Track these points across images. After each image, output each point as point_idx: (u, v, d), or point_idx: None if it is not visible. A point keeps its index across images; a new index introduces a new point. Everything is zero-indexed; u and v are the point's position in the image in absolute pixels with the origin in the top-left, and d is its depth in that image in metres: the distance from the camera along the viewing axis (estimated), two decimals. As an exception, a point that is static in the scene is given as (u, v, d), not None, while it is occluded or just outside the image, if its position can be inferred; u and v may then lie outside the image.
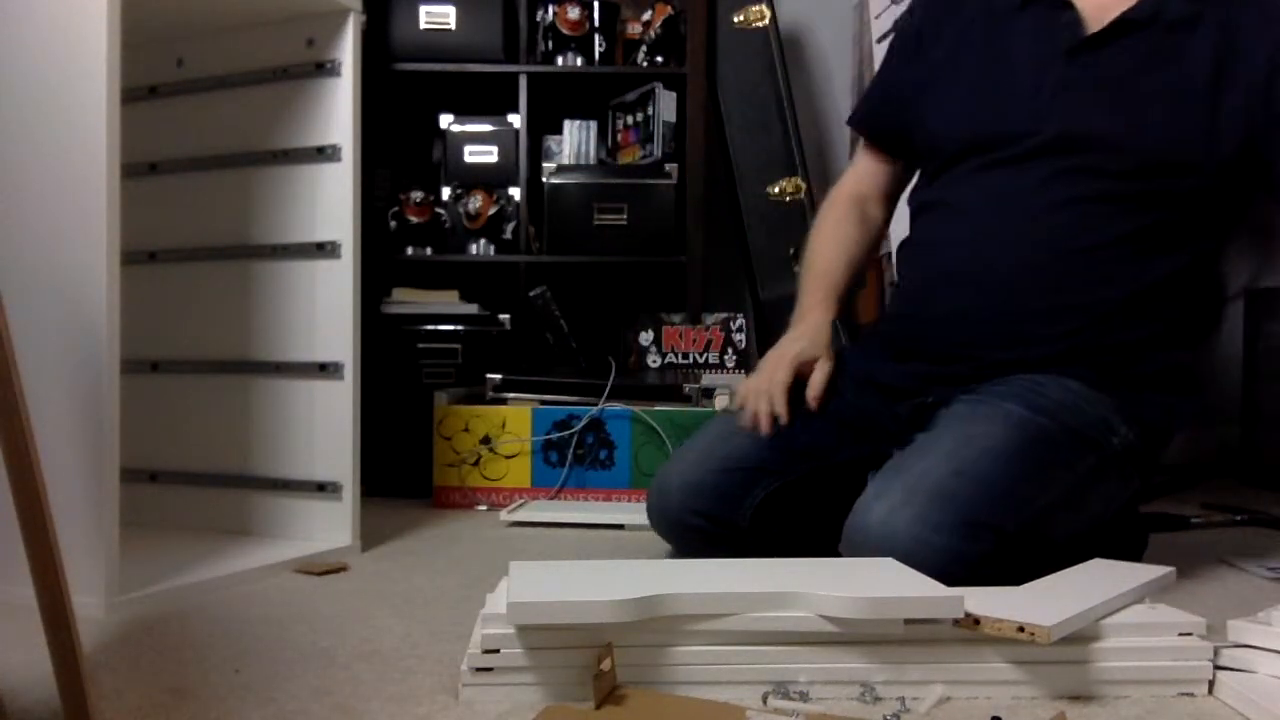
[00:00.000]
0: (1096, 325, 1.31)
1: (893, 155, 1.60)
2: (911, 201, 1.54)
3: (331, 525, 1.57)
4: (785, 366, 1.44)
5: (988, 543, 1.14)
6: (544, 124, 2.57)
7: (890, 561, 1.07)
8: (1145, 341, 1.32)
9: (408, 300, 2.35)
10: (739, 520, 1.40)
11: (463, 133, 2.47)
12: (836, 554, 1.20)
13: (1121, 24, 1.33)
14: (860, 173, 1.63)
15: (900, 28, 1.62)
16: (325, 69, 1.57)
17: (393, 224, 2.44)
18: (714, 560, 1.09)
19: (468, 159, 2.47)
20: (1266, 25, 1.31)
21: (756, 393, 1.44)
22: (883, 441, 1.33)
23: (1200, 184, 1.31)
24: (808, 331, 1.49)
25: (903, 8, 2.09)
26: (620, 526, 1.78)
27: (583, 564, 1.12)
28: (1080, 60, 1.34)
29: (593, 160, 2.59)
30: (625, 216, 2.41)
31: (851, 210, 1.60)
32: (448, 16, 2.41)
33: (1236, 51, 1.30)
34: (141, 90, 1.68)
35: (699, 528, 1.42)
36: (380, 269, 2.33)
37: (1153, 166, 1.30)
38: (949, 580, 1.00)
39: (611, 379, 2.04)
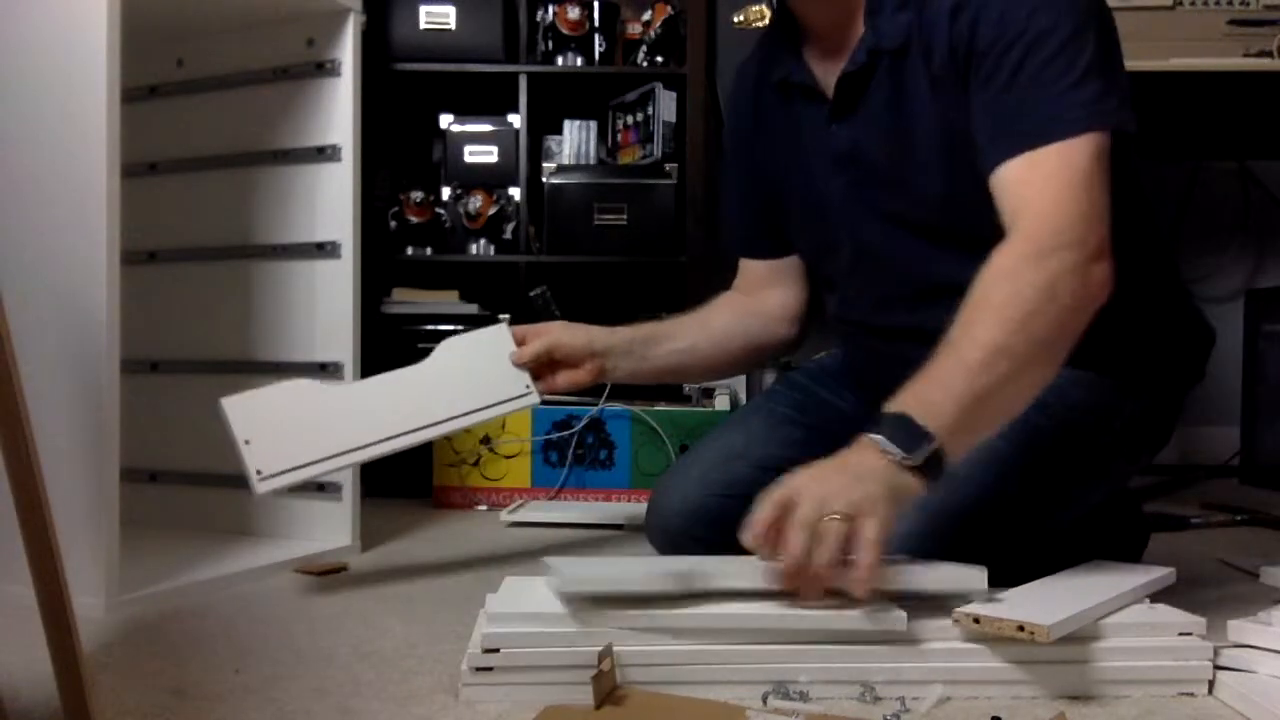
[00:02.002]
0: None
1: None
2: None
3: (331, 525, 1.57)
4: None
5: (981, 545, 1.13)
6: (544, 124, 2.57)
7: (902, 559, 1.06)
8: (1114, 319, 1.28)
9: (408, 300, 2.35)
10: (736, 541, 1.40)
11: (463, 133, 2.47)
12: None
13: (843, 82, 1.24)
14: (752, 269, 1.51)
15: (727, 140, 1.52)
16: (325, 69, 1.57)
17: (393, 224, 2.44)
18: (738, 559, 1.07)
19: (468, 159, 2.47)
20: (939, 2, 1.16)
21: None
22: None
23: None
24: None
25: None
26: (620, 527, 1.78)
27: (619, 559, 1.12)
28: (836, 139, 1.27)
29: (593, 160, 2.59)
30: (625, 216, 2.41)
31: (733, 305, 1.50)
32: (448, 16, 2.41)
33: (929, 43, 1.17)
34: (141, 90, 1.68)
35: (697, 552, 1.41)
36: (380, 269, 2.33)
37: (954, 201, 1.21)
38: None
39: (611, 379, 2.04)
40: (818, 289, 1.50)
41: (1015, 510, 1.18)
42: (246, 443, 1.19)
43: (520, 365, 1.36)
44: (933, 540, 1.12)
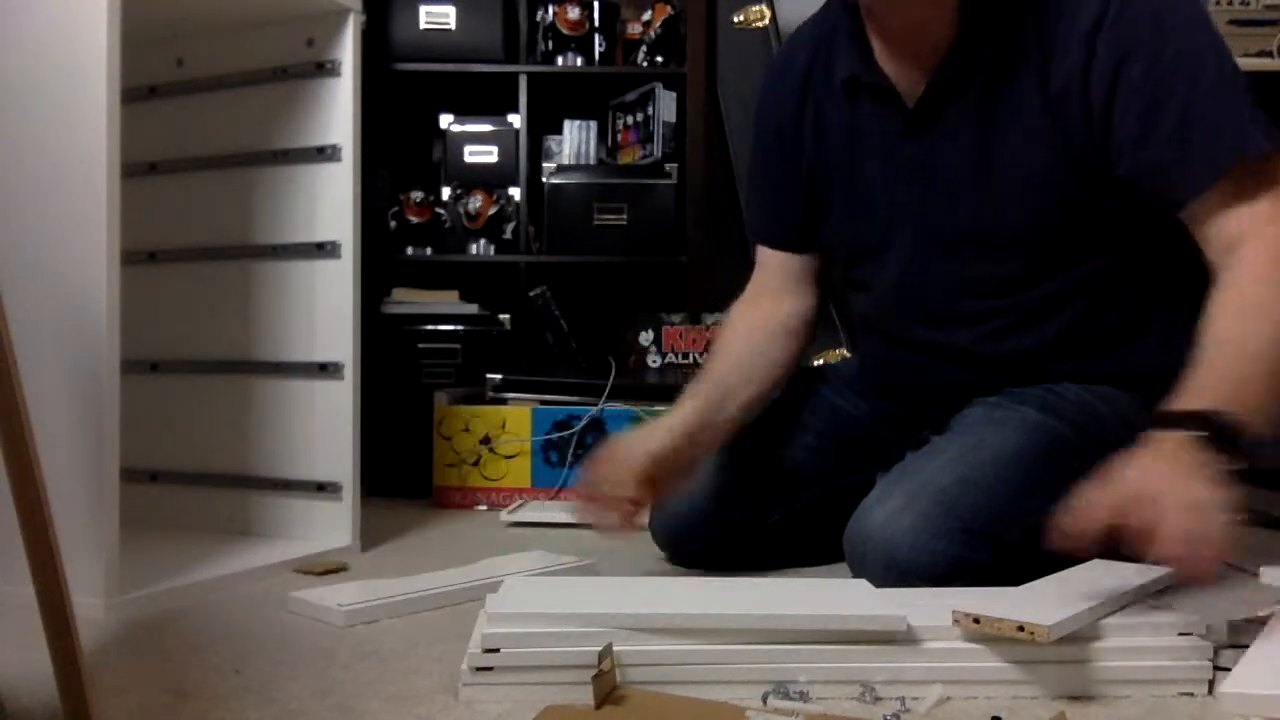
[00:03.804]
0: (1076, 368, 1.26)
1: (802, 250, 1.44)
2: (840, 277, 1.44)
3: (331, 525, 1.57)
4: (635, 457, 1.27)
5: (987, 552, 1.13)
6: (544, 124, 2.57)
7: (862, 583, 1.07)
8: (1146, 336, 1.26)
9: (408, 300, 2.35)
10: (742, 544, 1.39)
11: (463, 133, 2.47)
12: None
13: (934, 92, 1.20)
14: (770, 270, 1.45)
15: (758, 130, 1.46)
16: (325, 69, 1.57)
17: (393, 224, 2.44)
18: (681, 580, 1.09)
19: (468, 159, 2.47)
20: (1068, 24, 1.14)
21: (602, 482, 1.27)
22: (893, 462, 1.28)
23: (1084, 225, 1.19)
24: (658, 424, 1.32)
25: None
26: (620, 526, 1.78)
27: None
28: (912, 146, 1.23)
29: (593, 160, 2.59)
30: (625, 216, 2.41)
31: (759, 328, 1.42)
32: (448, 16, 2.41)
33: (1048, 65, 1.15)
34: (141, 90, 1.68)
35: (700, 552, 1.41)
36: (380, 269, 2.33)
37: (1025, 231, 1.20)
38: (946, 585, 1.01)
39: (611, 379, 2.04)
40: (841, 289, 1.46)
41: (1032, 516, 1.17)
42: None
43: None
44: (945, 542, 1.12)
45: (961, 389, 1.28)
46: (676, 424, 1.30)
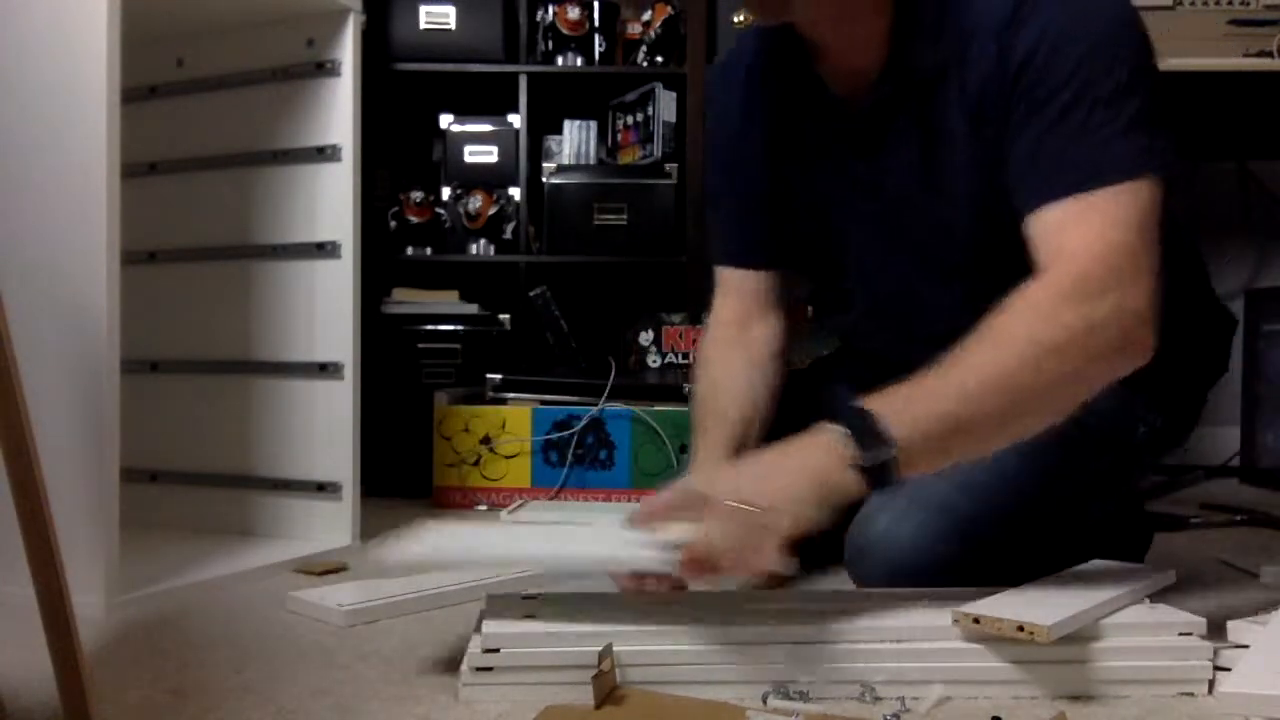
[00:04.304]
0: None
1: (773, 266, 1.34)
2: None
3: (331, 525, 1.57)
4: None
5: (990, 553, 1.13)
6: (544, 124, 2.57)
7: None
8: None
9: (408, 300, 2.35)
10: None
11: (463, 133, 2.47)
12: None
13: (875, 111, 1.13)
14: (740, 295, 1.34)
15: (713, 137, 1.38)
16: (325, 69, 1.57)
17: (393, 224, 2.44)
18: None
19: (468, 159, 2.47)
20: (983, 26, 1.06)
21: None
22: None
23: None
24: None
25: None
26: (620, 526, 1.78)
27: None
28: (858, 168, 1.17)
29: (593, 160, 2.59)
30: (625, 216, 2.41)
31: (744, 354, 1.31)
32: (448, 16, 2.41)
33: (966, 63, 1.07)
34: (141, 90, 1.68)
35: None
36: (380, 269, 2.33)
37: (990, 242, 1.12)
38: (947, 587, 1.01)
39: (611, 379, 2.04)
40: (819, 306, 1.44)
41: (1033, 517, 1.17)
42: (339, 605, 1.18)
43: None
44: (947, 546, 1.12)
45: None
46: (710, 460, 1.19)
